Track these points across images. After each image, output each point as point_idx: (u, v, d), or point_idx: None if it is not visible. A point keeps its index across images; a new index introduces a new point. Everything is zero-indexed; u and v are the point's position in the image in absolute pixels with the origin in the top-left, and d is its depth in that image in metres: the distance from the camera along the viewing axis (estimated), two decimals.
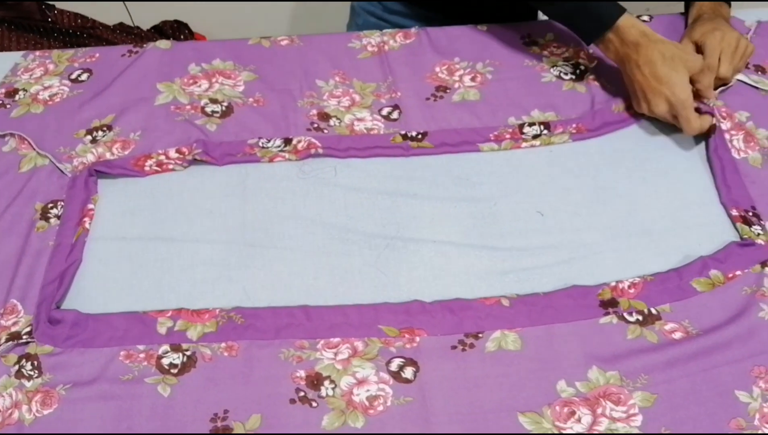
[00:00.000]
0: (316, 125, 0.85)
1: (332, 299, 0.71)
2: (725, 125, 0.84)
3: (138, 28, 1.43)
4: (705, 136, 0.84)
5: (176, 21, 1.47)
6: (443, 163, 0.82)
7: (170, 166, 0.83)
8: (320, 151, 0.83)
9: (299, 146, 0.83)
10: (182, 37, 1.43)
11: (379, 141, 0.84)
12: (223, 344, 0.68)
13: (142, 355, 0.67)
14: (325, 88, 0.90)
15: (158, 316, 0.69)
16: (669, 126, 0.85)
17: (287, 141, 0.84)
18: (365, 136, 0.84)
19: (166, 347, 0.68)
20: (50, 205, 0.79)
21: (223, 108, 0.88)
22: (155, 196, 0.80)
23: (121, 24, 1.46)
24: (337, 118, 0.86)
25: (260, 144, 0.84)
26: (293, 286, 0.72)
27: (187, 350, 0.67)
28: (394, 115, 0.87)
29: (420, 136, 0.84)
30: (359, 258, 0.74)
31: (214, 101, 0.89)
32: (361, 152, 0.84)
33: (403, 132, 0.84)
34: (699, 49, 0.86)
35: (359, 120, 0.86)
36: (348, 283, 0.72)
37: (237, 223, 0.77)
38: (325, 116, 0.87)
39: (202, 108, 0.88)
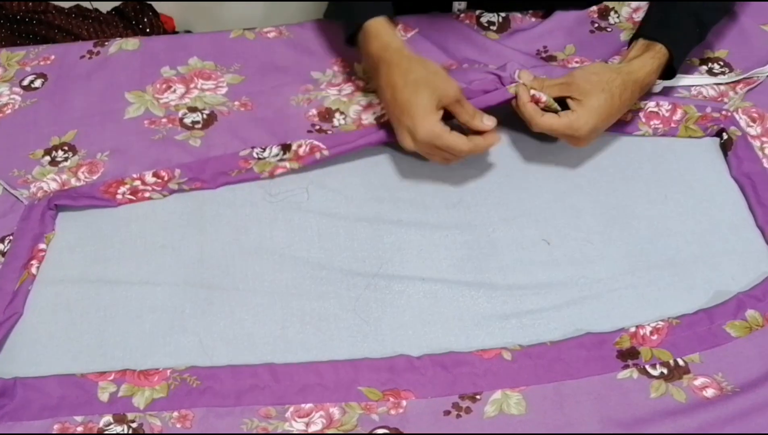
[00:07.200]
0: (318, 127, 0.74)
1: (303, 354, 0.60)
2: (755, 130, 0.73)
3: (96, 10, 1.29)
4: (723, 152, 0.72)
5: (138, 1, 1.33)
6: (433, 182, 0.71)
7: (147, 194, 0.71)
8: (326, 153, 0.71)
9: (300, 151, 0.71)
10: (146, 19, 1.29)
11: (389, 126, 0.72)
12: (175, 413, 0.57)
13: (80, 428, 0.57)
14: (322, 79, 0.79)
15: (99, 379, 0.59)
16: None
17: (285, 147, 0.72)
18: (373, 128, 0.73)
19: (108, 418, 0.57)
20: None
21: (205, 116, 0.76)
22: (99, 228, 0.69)
23: (77, 6, 1.31)
24: (341, 113, 0.75)
25: (255, 154, 0.72)
26: (257, 338, 0.62)
27: (133, 422, 0.57)
28: None
29: None
30: (335, 301, 0.63)
31: (192, 110, 0.76)
32: (371, 141, 0.72)
33: None
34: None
35: (366, 108, 0.75)
36: (322, 333, 0.62)
37: (193, 259, 0.66)
38: (327, 114, 0.75)
39: (181, 120, 0.76)
